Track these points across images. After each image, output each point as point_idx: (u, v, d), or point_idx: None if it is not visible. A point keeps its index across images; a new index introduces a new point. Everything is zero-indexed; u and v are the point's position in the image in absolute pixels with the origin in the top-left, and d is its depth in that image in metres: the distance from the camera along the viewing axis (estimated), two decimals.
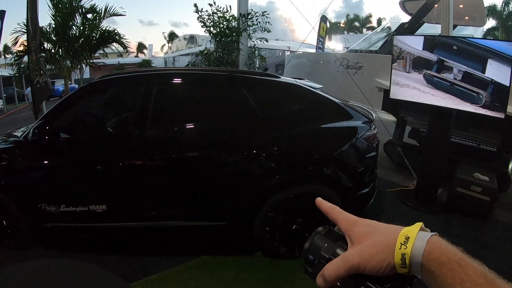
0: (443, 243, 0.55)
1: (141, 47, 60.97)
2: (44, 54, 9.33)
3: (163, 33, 67.04)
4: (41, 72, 8.46)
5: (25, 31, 9.49)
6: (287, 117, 3.75)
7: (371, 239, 0.60)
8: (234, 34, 10.02)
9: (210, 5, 9.87)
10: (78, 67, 10.02)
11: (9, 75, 21.80)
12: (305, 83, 4.12)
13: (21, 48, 10.21)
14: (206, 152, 3.62)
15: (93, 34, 9.63)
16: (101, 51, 11.12)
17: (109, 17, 9.70)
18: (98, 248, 4.04)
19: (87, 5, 9.48)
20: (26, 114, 19.33)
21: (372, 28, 53.01)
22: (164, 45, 66.86)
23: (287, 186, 3.53)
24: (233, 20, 10.10)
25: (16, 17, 9.68)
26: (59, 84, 24.25)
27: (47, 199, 3.75)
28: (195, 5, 9.85)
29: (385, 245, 0.58)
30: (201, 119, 3.74)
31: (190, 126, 3.71)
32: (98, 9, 9.39)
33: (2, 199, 3.86)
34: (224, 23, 10.03)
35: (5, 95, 21.14)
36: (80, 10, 9.37)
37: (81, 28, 9.44)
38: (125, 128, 3.96)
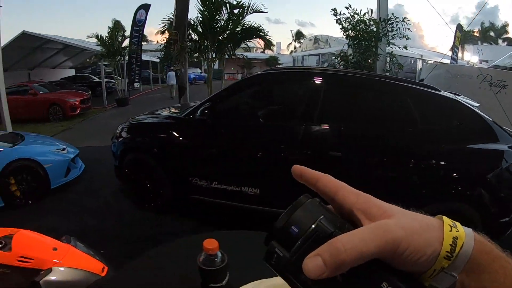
0: (484, 236, 0.44)
1: (268, 43, 62.19)
2: (190, 44, 10.09)
3: (291, 31, 67.31)
4: (182, 61, 9.31)
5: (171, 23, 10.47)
6: (445, 132, 3.76)
7: (406, 214, 0.43)
8: (372, 38, 9.93)
9: (347, 7, 9.90)
10: (221, 57, 10.57)
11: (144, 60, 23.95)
12: (464, 99, 4.07)
13: (167, 36, 11.15)
14: (367, 154, 3.79)
15: (237, 29, 10.14)
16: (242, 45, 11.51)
17: (252, 13, 10.18)
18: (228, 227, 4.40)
19: (233, 1, 10.05)
20: (159, 95, 21.20)
21: (509, 39, 48.67)
22: (290, 43, 67.54)
23: (435, 200, 3.58)
24: (372, 24, 9.99)
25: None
26: (190, 72, 26.03)
27: (199, 174, 4.20)
28: (334, 9, 9.97)
29: (428, 225, 0.42)
30: (365, 122, 3.91)
31: (355, 127, 3.89)
32: (244, 5, 9.89)
33: (153, 166, 4.46)
34: (361, 25, 9.96)
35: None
36: (226, 5, 9.96)
37: (227, 22, 9.99)
38: (289, 121, 4.15)
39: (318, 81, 4.09)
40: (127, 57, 19.13)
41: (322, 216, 0.42)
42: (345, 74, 4.66)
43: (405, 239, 0.39)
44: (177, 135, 4.43)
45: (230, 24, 10.00)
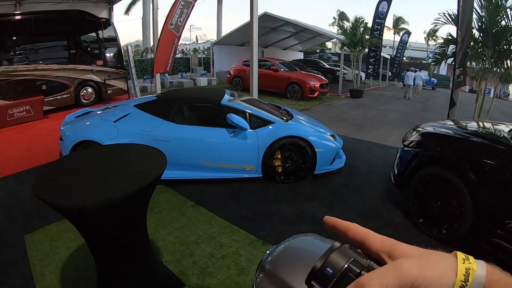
0: (495, 266, 0.48)
1: None
2: (468, 50, 8.99)
3: None
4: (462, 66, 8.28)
5: (445, 21, 9.46)
6: None
7: (423, 252, 0.51)
8: None
9: None
10: (495, 69, 9.07)
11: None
12: None
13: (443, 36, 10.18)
14: None
15: None
16: None
17: None
18: None
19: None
20: (390, 93, 20.71)
21: None
22: None
23: None
24: None
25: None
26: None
27: None
28: None
29: (443, 260, 0.48)
30: None
31: None
32: None
33: (460, 191, 3.76)
34: None
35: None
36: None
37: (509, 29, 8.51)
38: None
39: None
40: (366, 49, 18.74)
41: (352, 259, 0.50)
42: None
43: (420, 274, 0.45)
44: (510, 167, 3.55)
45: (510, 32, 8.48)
